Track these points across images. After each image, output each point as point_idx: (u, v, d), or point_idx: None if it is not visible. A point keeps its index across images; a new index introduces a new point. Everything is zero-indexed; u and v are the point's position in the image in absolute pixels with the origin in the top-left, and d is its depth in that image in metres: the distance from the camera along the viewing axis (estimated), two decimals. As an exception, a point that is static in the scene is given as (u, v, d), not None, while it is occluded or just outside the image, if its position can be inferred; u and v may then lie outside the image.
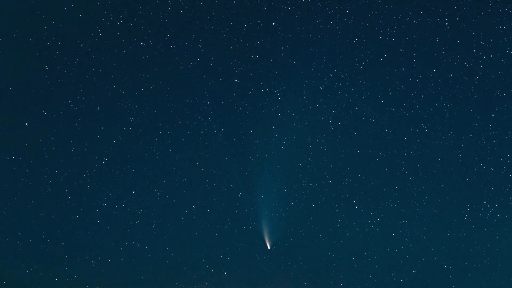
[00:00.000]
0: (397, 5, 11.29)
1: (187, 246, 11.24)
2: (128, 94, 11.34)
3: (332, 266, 11.25)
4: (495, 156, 11.22)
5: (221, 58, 11.50)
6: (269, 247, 11.23)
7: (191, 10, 11.40)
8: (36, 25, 11.01)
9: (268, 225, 11.21)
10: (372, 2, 11.33)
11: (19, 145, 10.98)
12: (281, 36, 11.48)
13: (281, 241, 11.29)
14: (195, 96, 11.40)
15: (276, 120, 11.43)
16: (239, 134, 11.50)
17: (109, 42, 11.22)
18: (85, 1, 11.12)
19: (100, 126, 11.21)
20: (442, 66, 11.25)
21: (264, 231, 11.20)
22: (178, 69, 11.41)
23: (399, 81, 11.33)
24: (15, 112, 10.95)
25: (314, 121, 11.44)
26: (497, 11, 11.10)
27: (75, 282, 10.91)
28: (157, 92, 11.41)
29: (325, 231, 11.36)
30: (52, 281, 10.84)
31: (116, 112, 11.28)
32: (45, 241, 10.94)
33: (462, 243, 11.21)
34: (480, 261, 11.11)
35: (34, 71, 11.11)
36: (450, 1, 11.19)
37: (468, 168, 11.27)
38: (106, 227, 11.13)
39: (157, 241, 11.15)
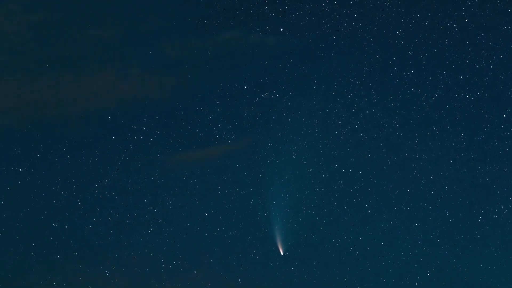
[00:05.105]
0: (405, 7, 11.31)
1: (200, 254, 11.22)
2: (138, 102, 11.43)
3: (346, 271, 11.20)
4: (507, 157, 11.15)
5: (230, 64, 11.57)
6: (282, 253, 11.20)
7: (199, 17, 11.46)
8: (47, 33, 11.15)
9: (281, 231, 11.17)
10: (380, 5, 11.35)
11: (31, 156, 11.05)
12: (289, 42, 11.53)
13: (294, 247, 11.25)
14: (205, 104, 11.42)
15: (286, 126, 11.43)
16: (250, 140, 11.51)
17: (117, 50, 11.37)
18: (92, 9, 11.24)
19: (111, 136, 11.28)
20: (451, 67, 11.22)
21: (277, 237, 11.17)
22: (187, 76, 11.49)
23: (409, 84, 11.33)
24: (27, 122, 11.08)
25: (324, 125, 11.42)
26: (505, 11, 11.08)
27: (89, 291, 10.94)
28: (167, 100, 11.50)
29: (338, 236, 11.30)
30: (67, 292, 10.88)
31: (127, 121, 11.34)
32: (58, 251, 10.98)
33: (476, 245, 11.12)
34: (495, 263, 11.00)
35: (42, 80, 11.22)
36: (458, 2, 11.19)
37: (480, 170, 11.20)
38: (119, 236, 11.14)
39: (170, 249, 11.13)
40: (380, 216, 11.31)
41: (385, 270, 11.18)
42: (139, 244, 11.09)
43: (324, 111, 11.44)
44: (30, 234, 10.92)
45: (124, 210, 11.16)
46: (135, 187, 11.22)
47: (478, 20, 11.06)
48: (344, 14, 11.37)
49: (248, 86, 11.47)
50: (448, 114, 11.26)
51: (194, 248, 11.21)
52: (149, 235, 11.12)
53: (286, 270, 11.19)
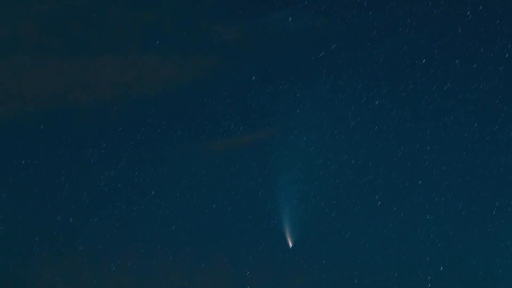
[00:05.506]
0: (417, -5, 11.27)
1: (208, 247, 11.12)
2: (145, 95, 11.41)
3: (356, 264, 11.05)
4: (522, 148, 11.08)
5: (237, 56, 11.51)
6: (290, 246, 11.09)
7: (205, 11, 11.53)
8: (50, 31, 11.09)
9: (290, 223, 11.08)
10: (391, -7, 11.32)
11: (35, 148, 11.05)
12: (298, 32, 11.50)
13: (303, 240, 11.12)
14: (213, 95, 11.38)
15: (295, 117, 11.36)
16: (258, 132, 11.44)
17: (124, 48, 11.42)
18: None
19: (118, 127, 11.27)
20: (465, 56, 11.16)
21: (286, 230, 11.08)
22: (195, 69, 11.47)
23: (420, 73, 11.21)
24: (30, 115, 11.07)
25: (333, 117, 11.33)
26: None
27: (94, 286, 10.82)
28: (174, 93, 11.47)
29: (348, 228, 11.16)
30: (72, 286, 10.78)
31: (134, 112, 11.33)
32: (63, 245, 10.91)
33: (490, 239, 10.95)
34: (511, 257, 10.85)
35: (48, 76, 11.25)
36: (471, -12, 11.15)
37: (494, 161, 11.05)
38: (125, 229, 11.07)
39: (178, 242, 11.04)
40: (390, 209, 11.18)
41: (396, 263, 11.04)
42: (146, 237, 11.02)
43: (333, 102, 11.39)
44: (33, 228, 10.89)
45: (130, 203, 11.11)
46: (142, 179, 11.19)
47: (493, 6, 11.02)
48: (354, 3, 11.36)
49: (256, 78, 11.43)
50: (460, 104, 11.18)
51: (202, 241, 11.13)
52: (156, 227, 11.06)
53: (294, 263, 11.06)
